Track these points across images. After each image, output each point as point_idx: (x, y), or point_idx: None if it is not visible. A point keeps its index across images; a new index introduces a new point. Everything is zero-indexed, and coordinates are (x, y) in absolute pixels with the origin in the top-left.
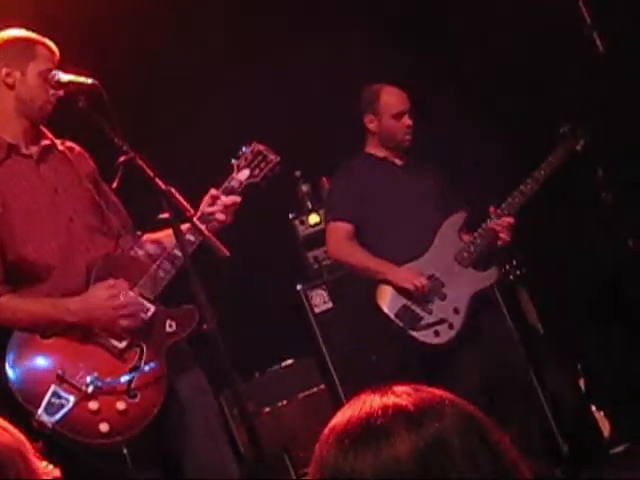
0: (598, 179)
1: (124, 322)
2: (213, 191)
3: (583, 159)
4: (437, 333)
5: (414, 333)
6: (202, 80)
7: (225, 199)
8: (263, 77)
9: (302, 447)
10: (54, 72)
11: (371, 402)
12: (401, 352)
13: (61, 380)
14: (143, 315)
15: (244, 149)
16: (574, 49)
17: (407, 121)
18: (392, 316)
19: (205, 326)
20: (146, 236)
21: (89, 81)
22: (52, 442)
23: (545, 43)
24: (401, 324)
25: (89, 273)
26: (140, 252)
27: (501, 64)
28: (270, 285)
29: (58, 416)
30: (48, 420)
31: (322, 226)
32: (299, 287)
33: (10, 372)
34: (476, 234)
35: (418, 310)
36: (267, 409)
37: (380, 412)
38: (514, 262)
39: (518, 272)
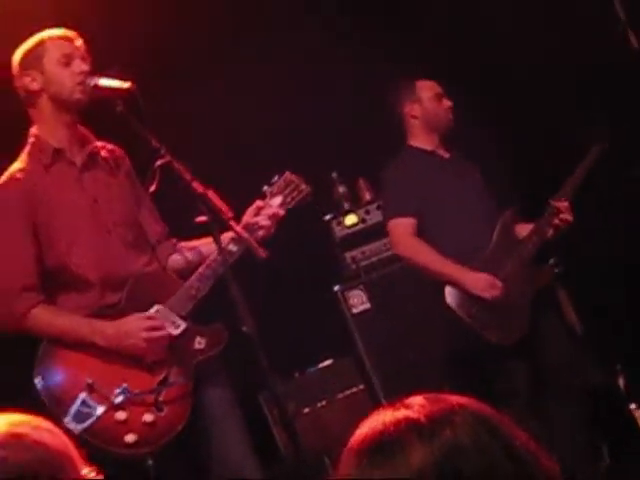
0: (635, 177)
1: (152, 357)
2: (258, 202)
3: (617, 157)
4: (507, 334)
5: (486, 333)
6: (233, 82)
7: (268, 210)
8: (297, 77)
9: (342, 448)
10: (90, 78)
11: (384, 417)
12: (456, 349)
13: (90, 389)
14: (173, 331)
15: (277, 178)
16: (608, 45)
17: (447, 102)
18: (465, 316)
19: (244, 328)
20: (181, 244)
21: (126, 85)
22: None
23: (578, 39)
24: (474, 325)
25: (123, 289)
26: (179, 258)
27: (533, 61)
28: (308, 286)
29: (86, 424)
30: (75, 427)
31: (359, 227)
32: (336, 288)
33: (39, 380)
34: (535, 229)
35: (489, 311)
36: (306, 410)
37: (392, 427)
38: (552, 261)
39: (556, 271)
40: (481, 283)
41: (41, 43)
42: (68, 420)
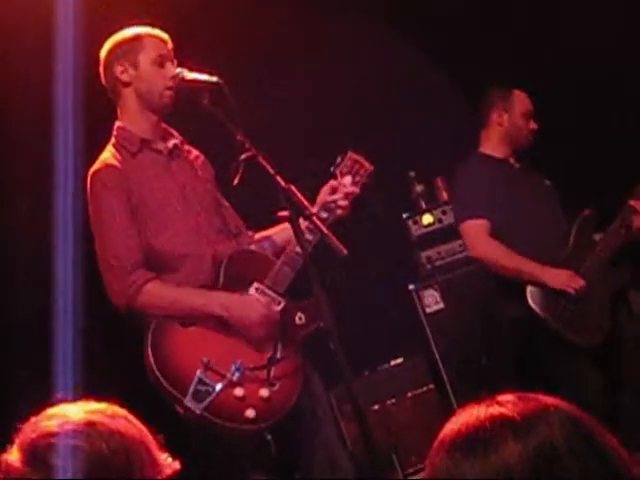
0: None
1: (262, 334)
2: (333, 182)
3: None
4: (590, 334)
5: (569, 334)
6: (314, 78)
7: (345, 188)
8: (373, 77)
9: (410, 446)
10: (179, 70)
11: (478, 413)
12: (528, 352)
13: (206, 367)
14: (275, 307)
15: (340, 158)
16: None
17: (533, 125)
18: (549, 317)
19: (322, 323)
20: (257, 235)
21: (213, 79)
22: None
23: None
24: (557, 325)
25: (217, 268)
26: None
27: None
28: (383, 284)
29: (205, 403)
30: (196, 407)
31: (436, 226)
32: (411, 287)
33: (153, 359)
34: (610, 230)
35: (572, 312)
36: (376, 407)
37: (488, 424)
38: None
39: (630, 273)
40: (562, 277)
41: (138, 38)
42: (188, 400)
